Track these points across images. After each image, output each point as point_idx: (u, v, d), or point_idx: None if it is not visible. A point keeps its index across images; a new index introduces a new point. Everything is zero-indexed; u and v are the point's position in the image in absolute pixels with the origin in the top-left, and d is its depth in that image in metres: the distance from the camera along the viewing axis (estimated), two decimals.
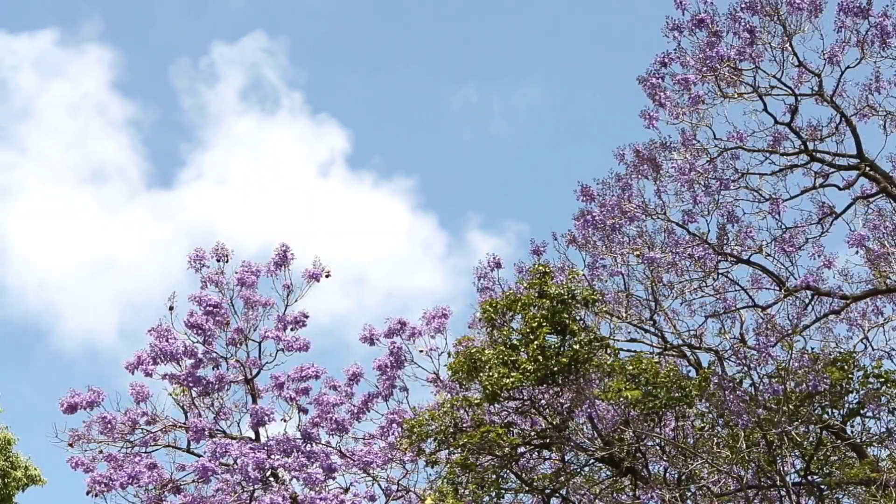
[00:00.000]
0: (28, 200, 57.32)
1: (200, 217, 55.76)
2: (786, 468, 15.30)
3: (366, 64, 57.18)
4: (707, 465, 15.88)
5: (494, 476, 16.60)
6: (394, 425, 20.29)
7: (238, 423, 20.67)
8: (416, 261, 52.97)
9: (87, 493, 19.56)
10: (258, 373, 20.77)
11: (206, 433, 19.78)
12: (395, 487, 20.41)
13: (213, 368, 20.56)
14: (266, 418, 20.05)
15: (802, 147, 16.89)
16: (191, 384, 20.19)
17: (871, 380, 15.54)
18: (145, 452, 20.22)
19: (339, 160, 56.98)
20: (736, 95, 16.51)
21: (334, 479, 20.20)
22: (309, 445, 20.08)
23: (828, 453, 15.99)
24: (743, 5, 16.26)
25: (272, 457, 19.48)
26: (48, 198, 57.39)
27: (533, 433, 16.76)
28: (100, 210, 57.15)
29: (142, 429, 20.28)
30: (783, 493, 15.22)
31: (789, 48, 16.25)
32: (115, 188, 57.64)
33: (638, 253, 17.42)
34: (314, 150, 57.84)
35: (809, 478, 15.73)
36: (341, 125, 55.96)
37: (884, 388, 15.45)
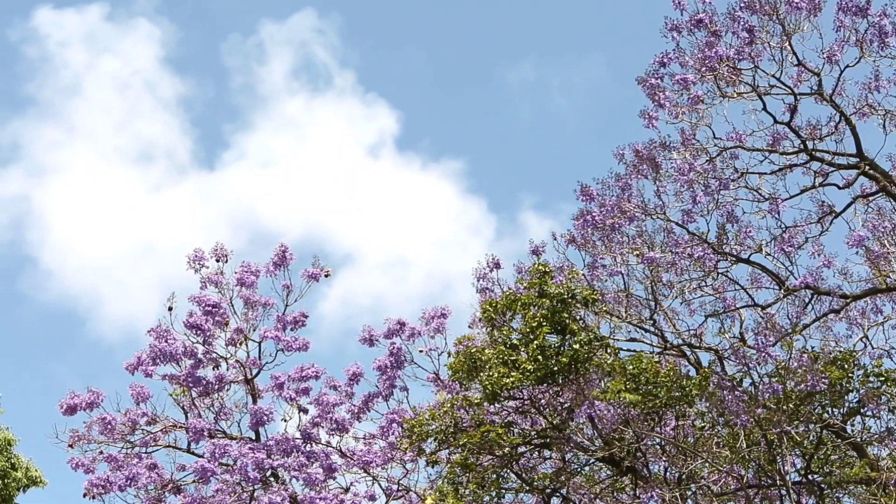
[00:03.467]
0: (72, 180, 56.49)
1: (244, 200, 55.22)
2: (786, 467, 15.31)
3: (419, 42, 56.07)
4: (707, 465, 15.89)
5: (495, 476, 16.61)
6: (394, 425, 20.31)
7: (238, 424, 20.72)
8: (464, 245, 52.55)
9: (85, 495, 19.57)
10: (258, 373, 20.78)
11: (206, 433, 19.80)
12: (395, 487, 20.43)
13: (212, 369, 20.58)
14: (266, 418, 20.06)
15: (802, 146, 16.88)
16: (191, 384, 20.19)
17: (871, 379, 15.56)
18: (145, 453, 20.25)
19: (388, 142, 56.25)
20: (735, 95, 16.49)
21: (334, 478, 20.23)
22: (309, 445, 20.09)
23: (828, 452, 16.01)
24: (742, 5, 16.23)
25: (272, 457, 19.50)
26: (92, 178, 56.53)
27: (533, 433, 16.77)
28: (144, 191, 56.43)
29: (142, 429, 20.30)
30: (783, 492, 15.24)
31: (788, 47, 16.24)
32: (160, 169, 56.91)
33: (638, 253, 17.42)
34: (362, 131, 57.13)
35: (810, 477, 15.74)
36: (391, 106, 55.00)
37: (884, 386, 15.46)
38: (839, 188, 17.00)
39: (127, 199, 56.23)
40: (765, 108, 16.63)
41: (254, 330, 20.81)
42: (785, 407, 15.09)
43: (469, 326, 18.64)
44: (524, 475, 16.94)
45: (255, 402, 20.56)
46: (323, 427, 20.61)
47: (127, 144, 56.77)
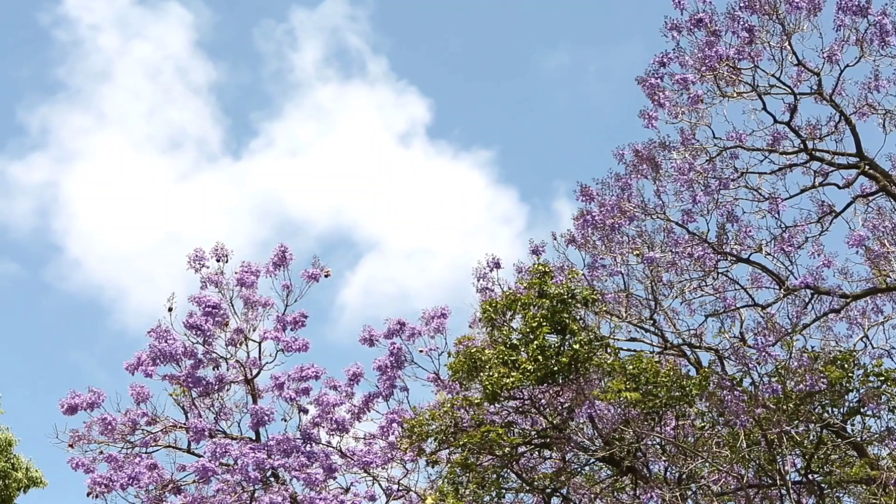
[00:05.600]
0: (100, 167, 55.74)
1: (272, 188, 54.53)
2: (786, 467, 15.30)
3: (452, 28, 55.08)
4: (707, 465, 15.88)
5: (495, 476, 16.60)
6: (394, 425, 20.31)
7: (238, 424, 20.71)
8: (494, 234, 52.02)
9: (88, 493, 19.55)
10: (258, 373, 20.77)
11: (207, 433, 19.79)
12: (395, 487, 20.43)
13: (213, 369, 20.57)
14: (266, 418, 20.05)
15: (802, 146, 16.88)
16: (191, 385, 20.18)
17: (871, 378, 15.53)
18: (146, 453, 20.23)
19: (419, 131, 55.60)
20: (735, 94, 16.49)
21: (334, 479, 20.22)
22: (309, 445, 20.08)
23: (828, 452, 16.00)
24: (742, 4, 16.23)
25: (272, 457, 19.49)
26: (120, 165, 55.78)
27: (533, 433, 16.76)
28: (172, 179, 55.61)
29: (142, 429, 20.28)
30: (784, 491, 15.23)
31: (788, 47, 16.23)
32: (188, 157, 56.16)
33: (637, 252, 17.42)
34: (394, 119, 56.36)
35: (810, 476, 15.73)
36: (422, 94, 54.18)
37: (884, 386, 15.45)
38: (839, 188, 17.01)
39: (154, 188, 55.71)
40: (765, 108, 16.64)
41: (254, 330, 20.81)
42: (785, 407, 15.08)
43: (469, 326, 18.67)
44: (524, 475, 16.94)
45: (255, 402, 20.55)
46: (323, 427, 20.61)
47: (156, 131, 56.31)
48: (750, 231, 17.27)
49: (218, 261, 20.86)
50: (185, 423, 20.35)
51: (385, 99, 56.07)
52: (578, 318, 16.35)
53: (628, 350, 17.16)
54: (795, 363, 15.43)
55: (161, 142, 56.00)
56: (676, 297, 17.69)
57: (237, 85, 56.36)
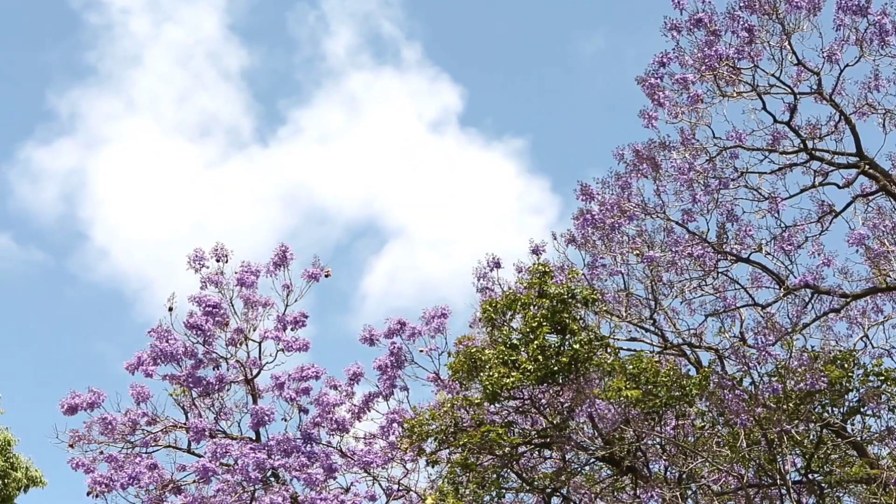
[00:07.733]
0: (127, 154, 54.95)
1: (300, 176, 53.64)
2: (786, 466, 15.31)
3: (487, 13, 54.17)
4: (707, 464, 15.90)
5: (495, 475, 16.61)
6: (394, 425, 20.31)
7: (238, 424, 20.70)
8: (524, 224, 51.38)
9: (88, 493, 19.56)
10: (258, 373, 20.76)
11: (207, 433, 19.78)
12: (395, 487, 20.43)
13: (213, 369, 20.56)
14: (266, 418, 20.05)
15: (802, 145, 16.88)
16: (191, 385, 20.18)
17: (871, 378, 15.56)
18: (146, 453, 20.22)
19: (451, 119, 54.58)
20: (735, 94, 16.48)
21: (335, 479, 20.22)
22: (309, 446, 20.08)
23: (828, 451, 16.01)
24: (741, 4, 16.22)
25: (272, 457, 19.49)
26: (148, 151, 55.05)
27: (533, 432, 16.77)
28: (199, 167, 54.81)
29: (142, 429, 20.28)
30: (784, 491, 15.24)
31: (788, 46, 16.23)
32: (217, 144, 55.12)
33: (637, 252, 17.42)
34: (425, 107, 55.42)
35: (810, 476, 15.75)
36: (454, 81, 53.27)
37: (884, 386, 15.47)
38: (839, 187, 17.01)
39: (183, 176, 54.95)
40: (764, 108, 16.63)
41: (254, 330, 20.80)
42: (785, 406, 15.09)
43: (469, 326, 18.67)
44: (524, 475, 16.95)
45: (255, 402, 20.55)
46: (323, 427, 20.61)
47: (186, 118, 55.60)
48: (750, 231, 17.27)
49: (218, 261, 20.85)
50: (185, 423, 20.35)
51: (417, 86, 55.44)
52: (578, 317, 16.35)
53: (628, 350, 17.17)
54: (795, 363, 15.44)
55: (190, 128, 55.44)
56: (676, 296, 17.70)
57: (270, 71, 55.81)
